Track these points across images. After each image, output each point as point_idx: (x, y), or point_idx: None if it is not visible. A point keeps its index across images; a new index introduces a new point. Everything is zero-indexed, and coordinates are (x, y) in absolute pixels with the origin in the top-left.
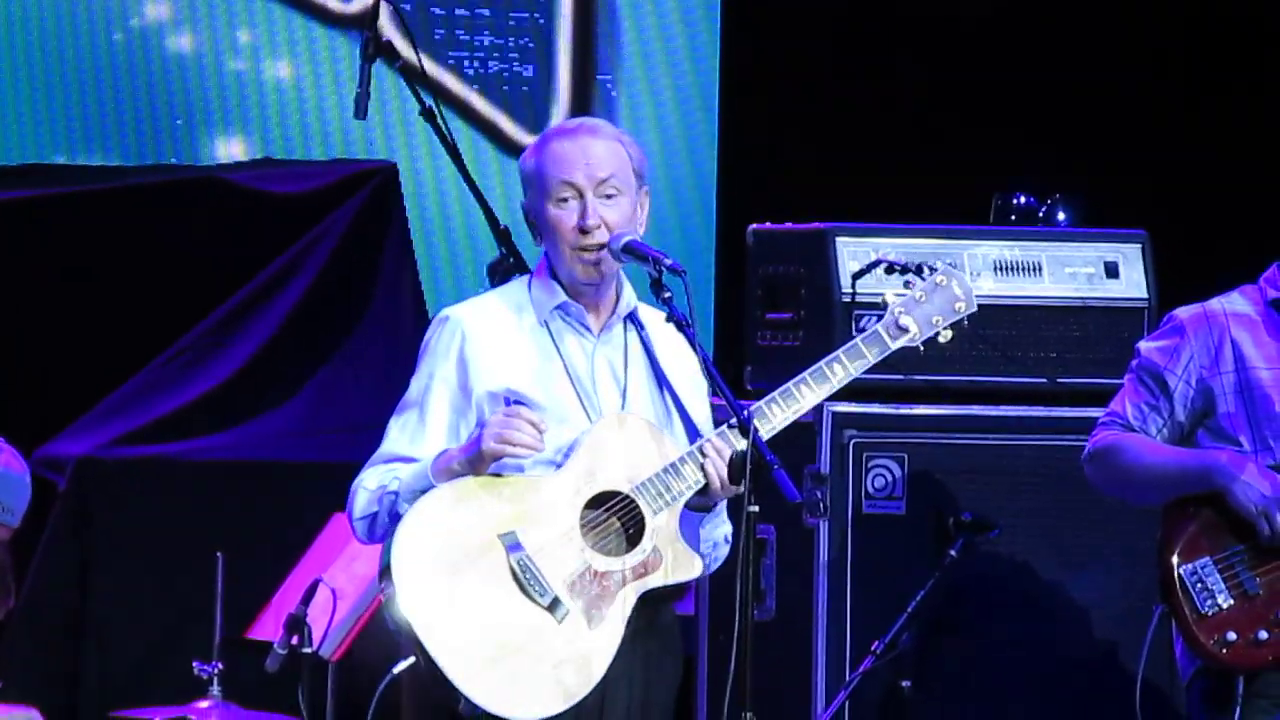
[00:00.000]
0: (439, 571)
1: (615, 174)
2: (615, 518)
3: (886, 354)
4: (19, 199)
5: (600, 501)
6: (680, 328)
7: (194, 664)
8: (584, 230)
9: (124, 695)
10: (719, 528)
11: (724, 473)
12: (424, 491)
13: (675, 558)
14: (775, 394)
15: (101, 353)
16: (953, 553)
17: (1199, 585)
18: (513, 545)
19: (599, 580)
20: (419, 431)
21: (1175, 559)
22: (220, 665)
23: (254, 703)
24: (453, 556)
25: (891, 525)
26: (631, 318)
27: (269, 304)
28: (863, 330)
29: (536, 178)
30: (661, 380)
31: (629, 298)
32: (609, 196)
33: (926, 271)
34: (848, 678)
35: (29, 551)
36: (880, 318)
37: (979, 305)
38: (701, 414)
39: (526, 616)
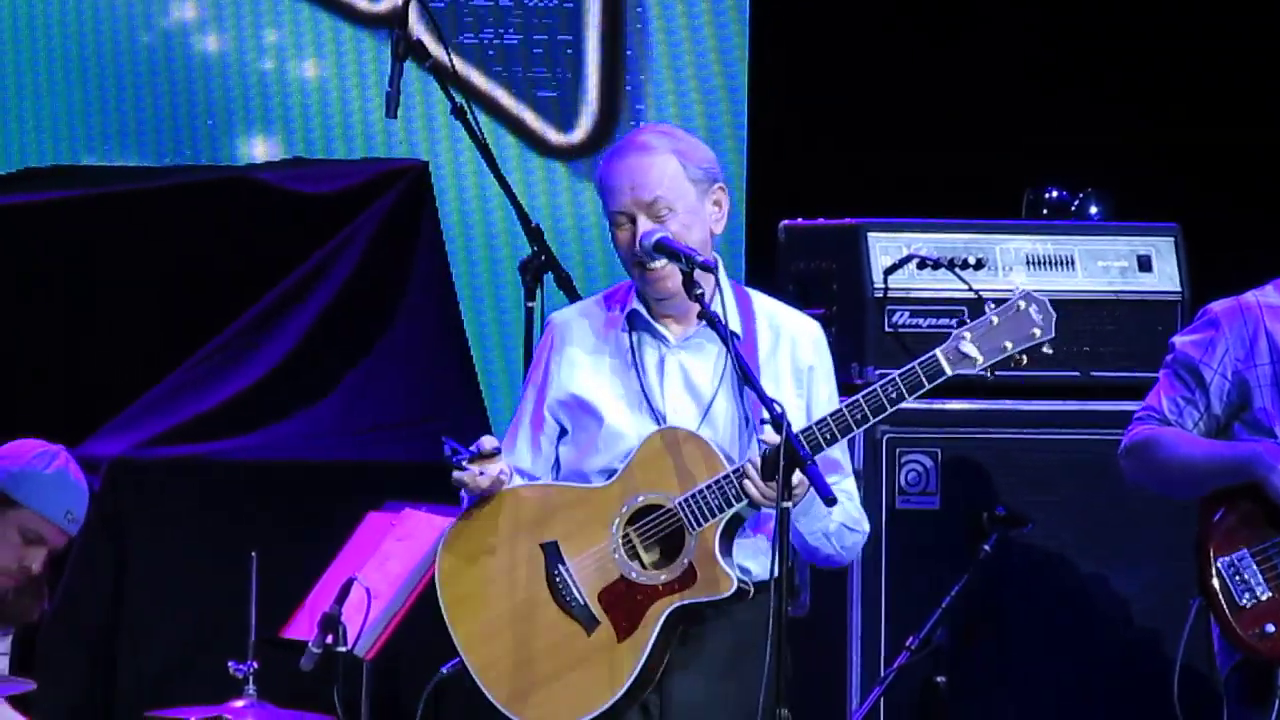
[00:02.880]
0: (478, 577)
1: (663, 194)
2: (657, 532)
3: (943, 380)
4: (50, 200)
5: (645, 514)
6: (713, 325)
7: (229, 663)
8: (637, 256)
9: (159, 695)
10: (818, 521)
11: (765, 490)
12: None
13: (708, 576)
14: (827, 417)
15: (134, 354)
16: (987, 547)
17: (1236, 577)
18: (553, 554)
19: (632, 593)
20: (511, 437)
21: (1212, 551)
22: (255, 665)
23: (289, 702)
24: (493, 563)
25: (925, 520)
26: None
27: (301, 304)
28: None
29: (602, 199)
30: (746, 388)
31: (717, 302)
32: (660, 216)
33: (1010, 296)
34: (883, 673)
35: (64, 553)
36: (934, 330)
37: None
38: (821, 402)
39: (558, 625)
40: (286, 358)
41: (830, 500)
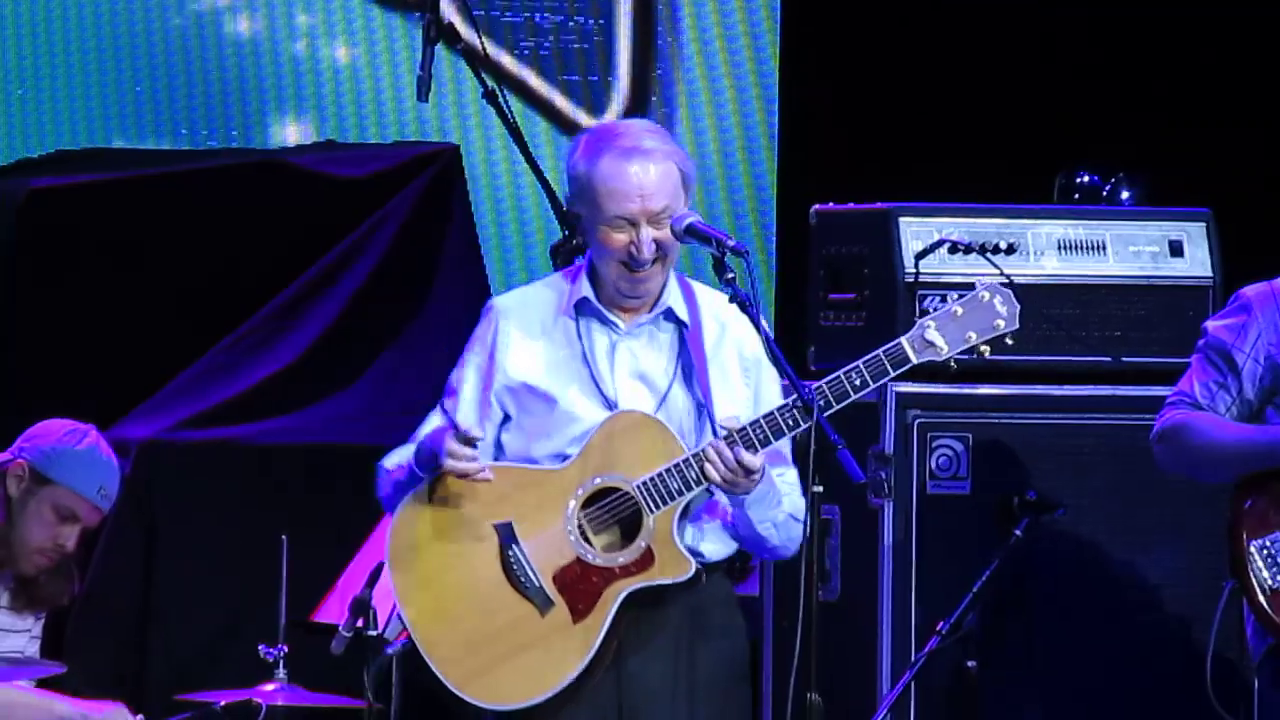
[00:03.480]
0: (431, 557)
1: (669, 203)
2: (613, 515)
3: (907, 368)
4: (82, 183)
5: (601, 497)
6: (744, 308)
7: (259, 647)
8: (636, 261)
9: (189, 678)
10: (770, 510)
11: (726, 476)
12: (413, 483)
13: (666, 559)
14: (790, 401)
15: (165, 337)
16: (1017, 532)
17: (1269, 559)
18: (506, 535)
19: (588, 575)
20: (448, 417)
21: (1245, 534)
22: (285, 648)
23: (319, 686)
24: (446, 543)
25: (956, 505)
26: (668, 314)
27: (333, 287)
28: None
29: (589, 194)
30: (697, 374)
31: (670, 294)
32: (660, 224)
33: (972, 289)
34: (913, 658)
35: (94, 535)
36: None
37: (1046, 284)
38: (769, 395)
39: (512, 606)
40: (318, 341)
41: (862, 484)
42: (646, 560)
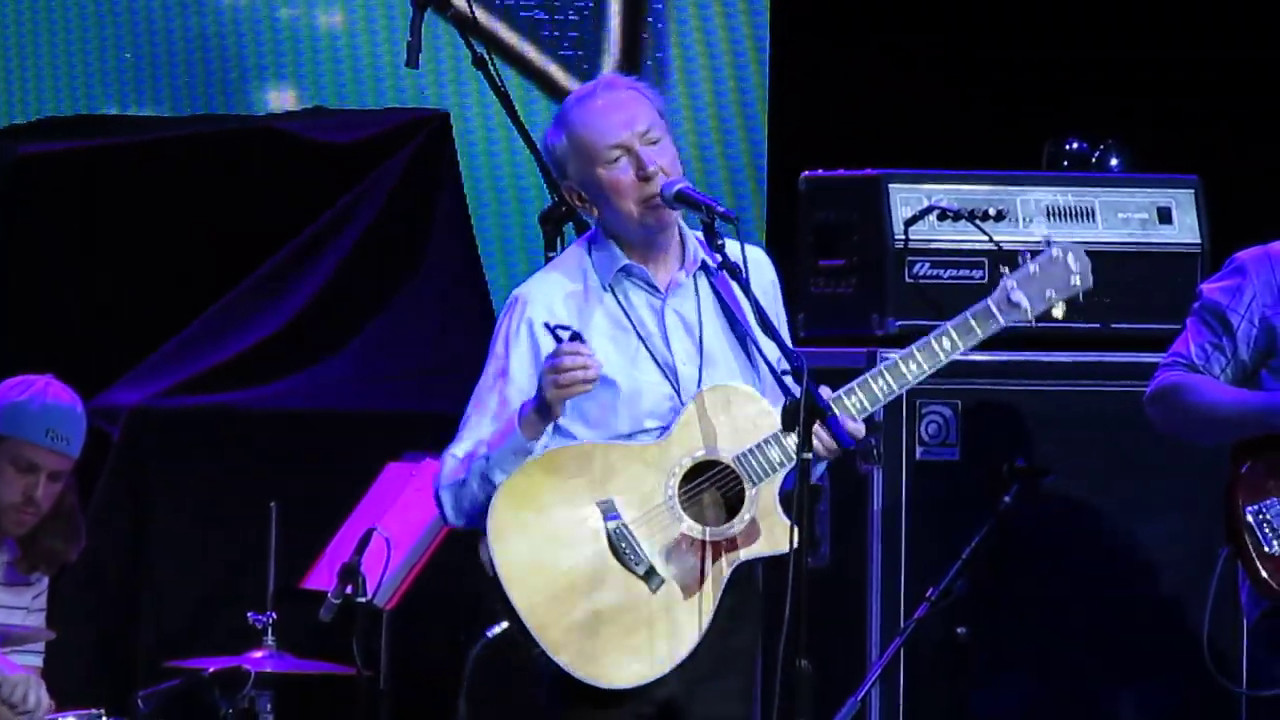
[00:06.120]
0: (535, 538)
1: (651, 121)
2: (715, 488)
3: (996, 329)
4: (71, 149)
5: (700, 471)
6: (733, 275)
7: (248, 614)
8: (646, 179)
9: (179, 645)
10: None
11: (832, 445)
12: (517, 450)
13: (772, 529)
14: (881, 367)
15: (154, 303)
16: (1007, 499)
17: (1264, 524)
18: (610, 513)
19: (695, 550)
20: (501, 416)
21: (1240, 499)
22: (274, 615)
23: (308, 653)
24: (550, 523)
25: (945, 472)
26: (703, 268)
27: (321, 253)
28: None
29: (580, 148)
30: (741, 328)
31: (694, 248)
32: (654, 142)
33: (1044, 245)
34: (902, 625)
35: (83, 502)
36: (994, 289)
37: (1035, 250)
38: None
39: (621, 585)
40: (306, 307)
41: (851, 450)
42: (753, 533)
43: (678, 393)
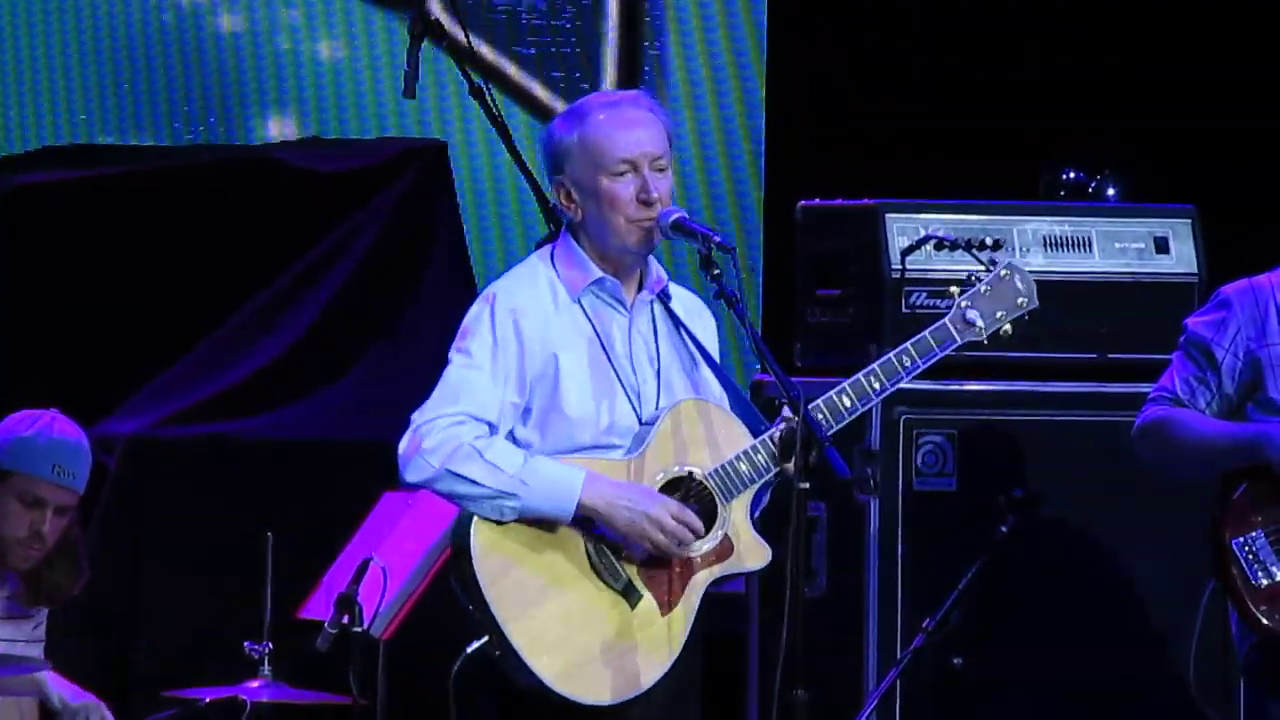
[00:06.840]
0: (514, 553)
1: (664, 151)
2: (691, 502)
3: (953, 347)
4: (68, 179)
5: (673, 487)
6: (730, 304)
7: (244, 644)
8: (648, 203)
9: (175, 675)
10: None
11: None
12: (552, 512)
13: (745, 546)
14: (845, 384)
15: (151, 333)
16: (1003, 529)
17: (1250, 557)
18: (588, 530)
19: (671, 565)
20: (490, 393)
21: (1226, 532)
22: (271, 645)
23: (304, 683)
24: (528, 538)
25: (942, 502)
26: (660, 294)
27: (318, 283)
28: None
29: (586, 150)
30: (702, 353)
31: (658, 271)
32: (661, 170)
33: (989, 266)
34: (899, 655)
35: (80, 512)
36: (946, 310)
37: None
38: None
39: (600, 601)
40: (303, 337)
41: (848, 480)
42: (726, 549)
43: (638, 411)
